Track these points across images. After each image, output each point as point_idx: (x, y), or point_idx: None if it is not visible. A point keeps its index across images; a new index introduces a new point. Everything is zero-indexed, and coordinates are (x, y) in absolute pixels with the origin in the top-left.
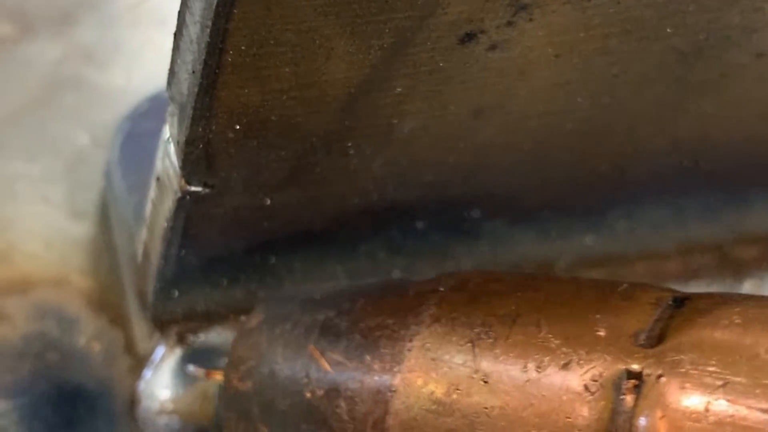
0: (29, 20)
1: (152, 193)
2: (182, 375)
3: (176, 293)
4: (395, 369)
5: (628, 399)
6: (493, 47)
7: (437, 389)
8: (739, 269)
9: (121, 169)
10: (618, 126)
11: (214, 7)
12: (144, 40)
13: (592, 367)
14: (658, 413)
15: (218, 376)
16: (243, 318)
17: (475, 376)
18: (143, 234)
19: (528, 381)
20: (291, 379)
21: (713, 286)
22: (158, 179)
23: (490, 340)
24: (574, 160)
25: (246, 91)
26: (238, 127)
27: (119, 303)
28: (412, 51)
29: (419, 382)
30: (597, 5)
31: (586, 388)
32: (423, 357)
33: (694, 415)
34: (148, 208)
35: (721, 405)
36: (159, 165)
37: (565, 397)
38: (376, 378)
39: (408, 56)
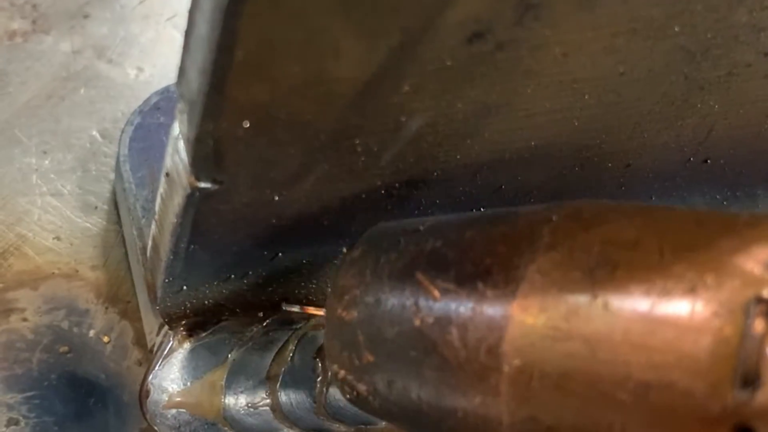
0: (42, 15)
1: (162, 188)
2: (190, 368)
3: (184, 287)
4: (510, 296)
5: (759, 324)
6: (500, 46)
7: (555, 314)
8: None
9: (131, 162)
10: (625, 123)
11: (223, 6)
12: (155, 35)
13: (719, 293)
14: None
15: (318, 312)
16: (345, 249)
17: (595, 301)
18: (153, 229)
19: (652, 306)
20: (398, 307)
21: None
22: (168, 175)
23: (610, 266)
24: (580, 156)
25: (255, 89)
26: (247, 124)
27: (129, 296)
28: (420, 50)
29: (535, 308)
30: (604, 5)
31: (715, 313)
32: (539, 283)
33: None
34: (158, 203)
35: None
36: (168, 161)
37: (691, 323)
38: (490, 305)
39: (416, 55)
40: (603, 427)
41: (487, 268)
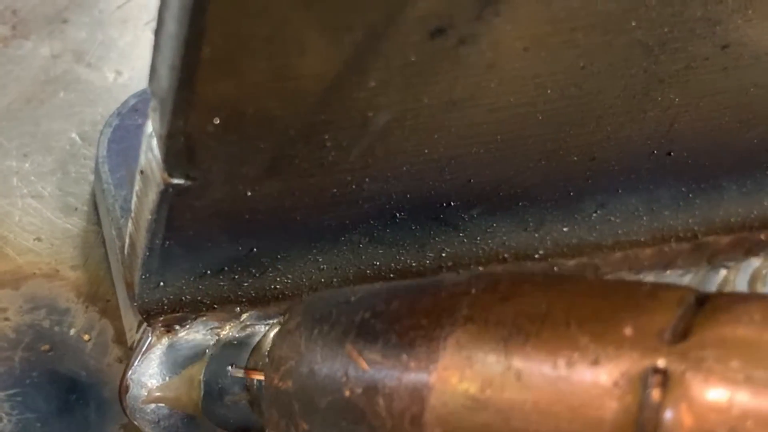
0: (21, 21)
1: (137, 186)
2: (169, 363)
3: (161, 284)
4: (431, 367)
5: (655, 393)
6: (462, 41)
7: (472, 386)
8: (714, 257)
9: (110, 164)
10: (587, 116)
11: (189, 3)
12: (133, 39)
13: (620, 364)
14: (684, 406)
15: (258, 376)
16: (281, 319)
17: (507, 372)
18: (129, 226)
19: (559, 377)
20: (330, 378)
21: (689, 273)
22: (142, 172)
23: (522, 339)
24: (546, 150)
25: (223, 84)
26: (217, 120)
27: (109, 295)
28: (383, 46)
29: (454, 379)
30: (562, 0)
31: (615, 383)
32: (457, 355)
33: (718, 408)
34: (134, 200)
35: (743, 398)
36: (143, 158)
37: (594, 392)
38: (413, 376)
39: (380, 51)
40: None
41: (411, 340)
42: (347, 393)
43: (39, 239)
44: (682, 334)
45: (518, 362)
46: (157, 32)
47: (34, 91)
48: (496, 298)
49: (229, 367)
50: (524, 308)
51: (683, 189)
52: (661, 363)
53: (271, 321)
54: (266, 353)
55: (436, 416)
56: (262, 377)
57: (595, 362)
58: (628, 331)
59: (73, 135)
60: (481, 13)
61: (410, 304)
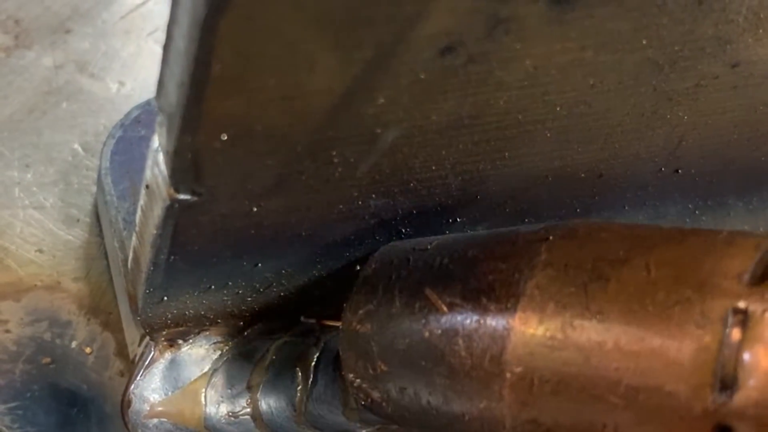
0: (24, 31)
1: (142, 200)
2: (171, 378)
3: (165, 298)
4: (511, 309)
5: (735, 333)
6: (471, 59)
7: (552, 326)
8: None
9: (113, 175)
10: (596, 134)
11: (200, 21)
12: (136, 49)
13: (700, 305)
14: (762, 347)
15: (333, 323)
16: (361, 267)
17: (587, 313)
18: (133, 240)
19: (639, 318)
20: (409, 320)
21: None
22: (148, 187)
23: (602, 282)
24: (553, 167)
25: (232, 102)
26: (225, 137)
27: (111, 307)
28: (393, 63)
29: (535, 320)
30: (573, 19)
31: (696, 324)
32: (538, 298)
33: None
34: (138, 215)
35: None
36: (148, 173)
37: (675, 332)
38: (493, 317)
39: (389, 68)
40: (597, 427)
41: (490, 284)
42: (426, 334)
43: (41, 251)
44: (760, 277)
45: (599, 304)
46: (166, 48)
47: (37, 101)
48: (574, 244)
49: (302, 317)
50: (603, 253)
51: (690, 206)
52: (741, 304)
53: (275, 336)
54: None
55: (516, 355)
56: (338, 324)
57: (676, 303)
58: (707, 274)
59: (76, 146)
60: (491, 32)
61: (488, 250)
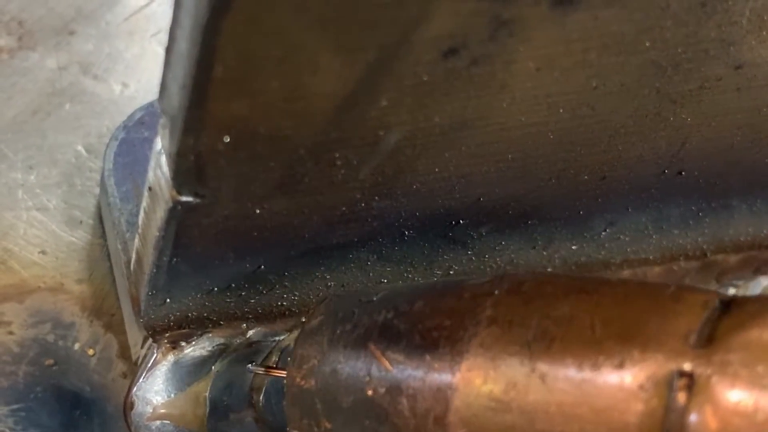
0: (28, 32)
1: (144, 202)
2: (174, 380)
3: (168, 300)
4: (455, 368)
5: (681, 397)
6: (475, 62)
7: (496, 387)
8: (723, 275)
9: (116, 177)
10: (599, 136)
11: (202, 23)
12: (139, 51)
13: (645, 367)
14: (709, 410)
15: (280, 374)
16: (304, 318)
17: (532, 375)
18: (136, 242)
19: (584, 380)
20: (353, 377)
21: None
22: (150, 189)
23: (546, 342)
24: (557, 169)
25: (235, 104)
26: (227, 139)
27: (114, 309)
28: (396, 65)
29: (478, 380)
30: (576, 21)
31: (640, 386)
32: (481, 357)
33: (743, 412)
34: (141, 217)
35: None
36: (151, 175)
37: (620, 395)
38: (437, 376)
39: (392, 70)
40: None
41: (434, 340)
42: (370, 392)
43: (44, 252)
44: (707, 338)
45: (543, 365)
46: (168, 50)
47: (40, 103)
48: (520, 300)
49: (249, 365)
50: (548, 311)
51: (693, 208)
52: (686, 366)
53: (277, 338)
54: (289, 352)
55: (460, 417)
56: (283, 374)
57: (621, 365)
58: (653, 333)
59: (79, 147)
60: (494, 34)
61: (433, 304)
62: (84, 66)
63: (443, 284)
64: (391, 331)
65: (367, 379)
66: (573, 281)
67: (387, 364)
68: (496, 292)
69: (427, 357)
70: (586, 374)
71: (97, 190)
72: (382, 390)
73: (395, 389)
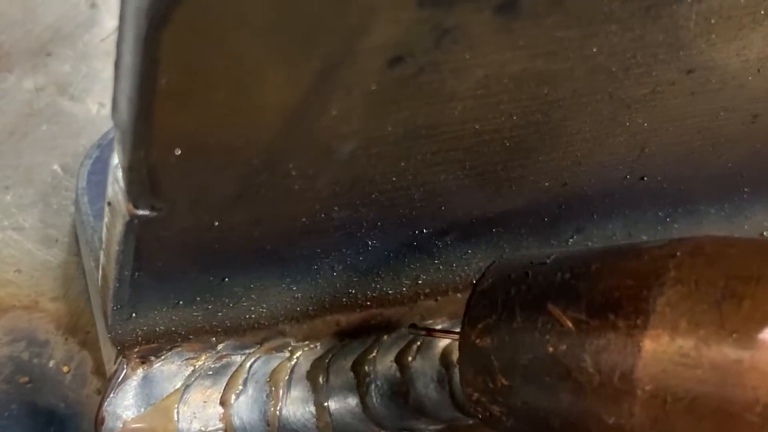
0: (5, 54)
1: (106, 217)
2: (144, 395)
3: (134, 315)
4: (641, 326)
5: None
6: (422, 70)
7: (685, 344)
8: None
9: (89, 195)
10: (555, 142)
11: (143, 35)
12: None
13: None
14: None
15: (452, 337)
16: (475, 281)
17: (723, 332)
18: (101, 257)
19: None
20: (531, 335)
21: None
22: (110, 204)
23: (736, 300)
24: (515, 176)
25: (182, 116)
26: (179, 151)
27: (89, 326)
28: (343, 75)
29: (666, 337)
30: (520, 27)
31: None
32: (669, 315)
33: None
34: (104, 231)
35: None
36: (110, 190)
37: None
38: (622, 334)
39: (340, 80)
40: None
41: (616, 300)
42: (551, 350)
43: (19, 271)
44: None
45: (734, 323)
46: (116, 64)
47: (17, 124)
48: (703, 260)
49: (409, 328)
50: (735, 271)
51: (660, 213)
52: None
53: (247, 351)
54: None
55: (648, 373)
56: (448, 337)
57: None
58: None
59: (56, 167)
60: (438, 42)
61: (612, 266)
62: (61, 87)
63: (618, 248)
64: (570, 291)
65: (547, 336)
66: (755, 243)
67: (567, 322)
68: (678, 253)
69: (611, 316)
70: None
71: (72, 209)
72: (564, 348)
73: (578, 347)
